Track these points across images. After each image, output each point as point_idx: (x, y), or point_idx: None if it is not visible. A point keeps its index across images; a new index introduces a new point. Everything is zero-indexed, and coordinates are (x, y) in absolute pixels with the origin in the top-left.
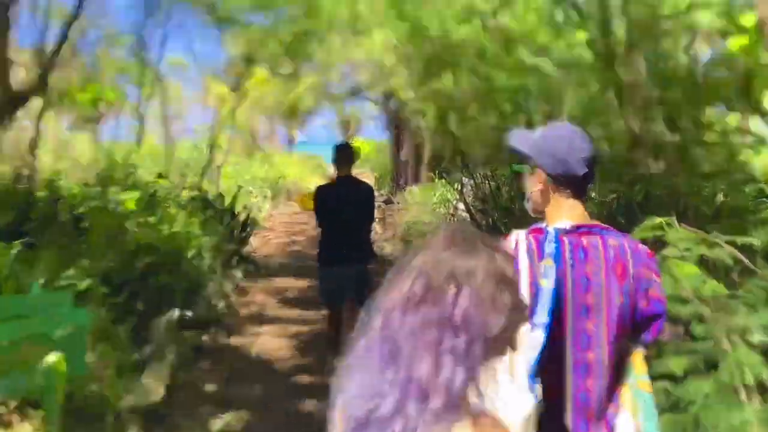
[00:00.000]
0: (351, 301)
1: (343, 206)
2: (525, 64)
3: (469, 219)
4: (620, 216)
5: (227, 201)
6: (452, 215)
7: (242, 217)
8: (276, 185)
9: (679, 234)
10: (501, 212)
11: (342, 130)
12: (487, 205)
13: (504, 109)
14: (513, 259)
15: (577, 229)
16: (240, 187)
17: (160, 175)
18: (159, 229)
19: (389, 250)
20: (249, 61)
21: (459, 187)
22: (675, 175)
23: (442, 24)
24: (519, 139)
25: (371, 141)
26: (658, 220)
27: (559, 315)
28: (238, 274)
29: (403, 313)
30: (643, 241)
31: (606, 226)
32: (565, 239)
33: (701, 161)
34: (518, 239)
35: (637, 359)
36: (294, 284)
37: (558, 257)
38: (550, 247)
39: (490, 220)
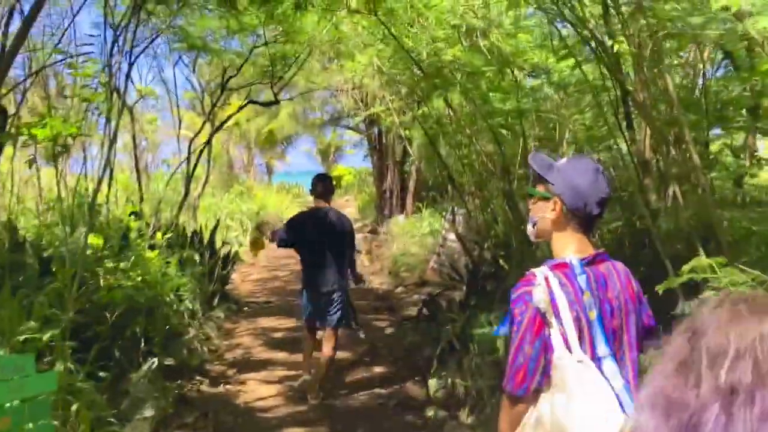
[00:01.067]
0: (329, 328)
1: (318, 234)
2: (520, 85)
3: (460, 251)
4: (626, 246)
5: (206, 236)
6: (441, 246)
7: (222, 253)
8: (256, 218)
9: (735, 276)
10: (497, 244)
11: (322, 158)
12: (481, 236)
13: (498, 133)
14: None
15: (593, 259)
16: (218, 221)
17: (133, 213)
18: (132, 273)
19: (377, 283)
20: (224, 88)
21: (450, 217)
22: (690, 203)
23: (431, 44)
24: (541, 163)
25: (353, 169)
26: (704, 260)
27: (611, 343)
28: (221, 314)
29: (726, 412)
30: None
31: (606, 252)
32: (588, 269)
33: (713, 187)
34: (546, 275)
35: None
36: (280, 324)
37: (589, 287)
38: (583, 280)
39: (485, 253)
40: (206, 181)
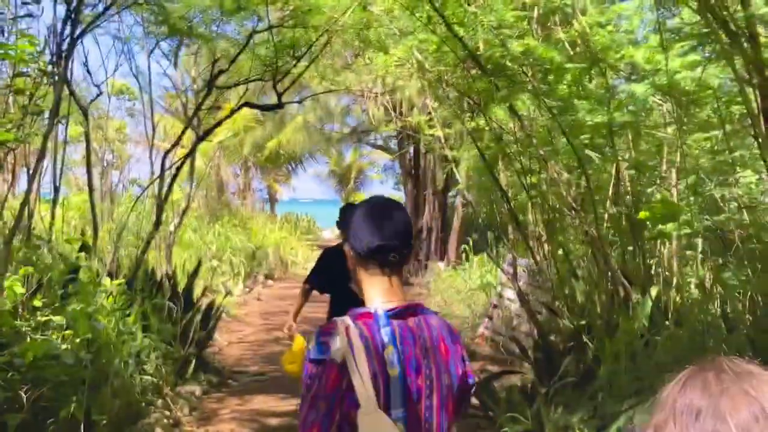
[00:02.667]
0: None
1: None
2: (612, 90)
3: (521, 314)
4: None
5: (182, 282)
6: (495, 307)
7: (203, 304)
8: (252, 258)
9: None
10: (576, 309)
11: (340, 183)
12: (554, 296)
13: (584, 156)
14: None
15: (401, 311)
16: (200, 262)
17: (83, 247)
18: (70, 333)
19: None
20: (212, 86)
21: (509, 268)
22: None
23: (493, 31)
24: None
25: None
26: None
27: (408, 404)
28: (197, 389)
29: None
30: None
31: (422, 304)
32: (395, 322)
33: None
34: (347, 325)
35: None
36: (278, 406)
37: (395, 342)
38: (386, 333)
39: (559, 320)
40: (187, 208)
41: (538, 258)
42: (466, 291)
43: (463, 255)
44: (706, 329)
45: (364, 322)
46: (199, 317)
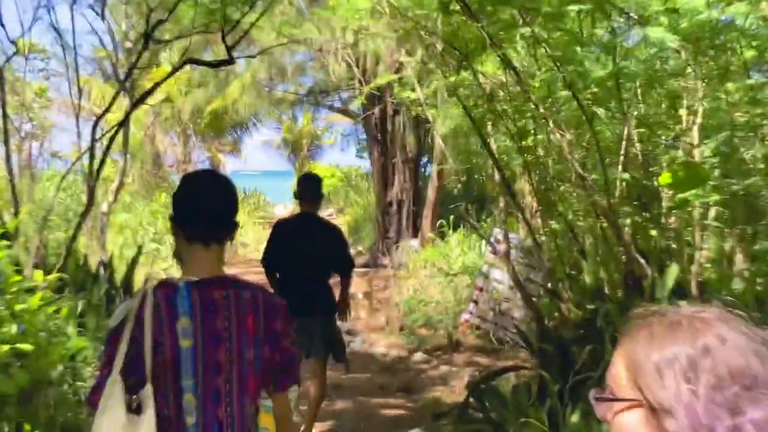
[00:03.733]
0: (315, 361)
1: (305, 245)
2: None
3: (513, 297)
4: None
5: (119, 272)
6: (480, 290)
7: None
8: None
9: None
10: (585, 292)
11: (293, 151)
12: (555, 278)
13: (591, 113)
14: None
15: (207, 283)
16: (140, 248)
17: (3, 235)
18: None
19: (382, 345)
20: (148, 41)
21: (496, 244)
22: None
23: None
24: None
25: (338, 169)
26: None
27: (200, 374)
28: None
29: None
30: None
31: (239, 278)
32: (196, 293)
33: None
34: (146, 294)
35: (264, 414)
36: None
37: (191, 314)
38: (183, 305)
39: (562, 304)
40: (121, 185)
41: (535, 234)
42: (446, 273)
43: (440, 232)
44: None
45: (163, 293)
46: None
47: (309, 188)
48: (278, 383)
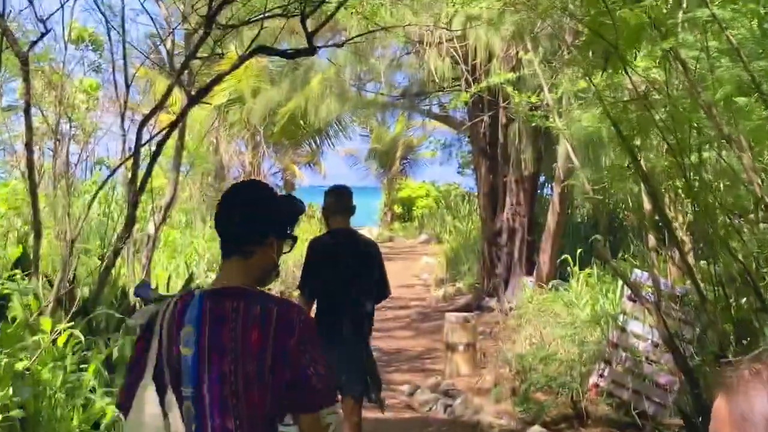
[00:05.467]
0: (351, 397)
1: (339, 266)
2: None
3: (657, 356)
4: None
5: None
6: (615, 346)
7: None
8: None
9: None
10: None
11: (381, 164)
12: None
13: None
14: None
15: (221, 293)
16: (190, 278)
17: (18, 262)
18: None
19: (490, 413)
20: (211, 24)
21: (646, 293)
22: None
23: None
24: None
25: (435, 187)
26: None
27: (199, 384)
28: None
29: None
30: None
31: (258, 291)
32: (208, 303)
33: None
34: (170, 302)
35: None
36: None
37: (198, 322)
38: (192, 313)
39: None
40: (173, 200)
41: (693, 277)
42: (570, 323)
43: (561, 270)
44: None
45: (182, 301)
46: None
47: (338, 201)
48: (297, 403)
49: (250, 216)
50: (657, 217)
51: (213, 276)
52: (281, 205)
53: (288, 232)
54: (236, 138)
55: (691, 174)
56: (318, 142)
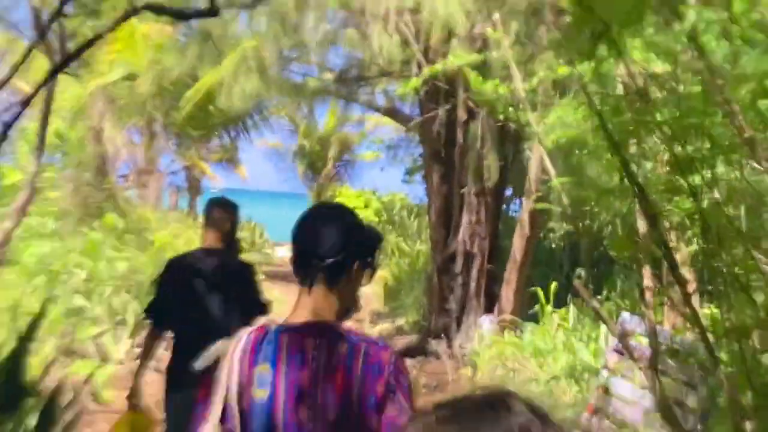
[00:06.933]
0: None
1: (203, 292)
2: None
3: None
4: None
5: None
6: (594, 413)
7: (48, 389)
8: (148, 290)
9: None
10: None
11: (310, 167)
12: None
13: None
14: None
15: (301, 328)
16: (44, 307)
17: None
18: None
19: None
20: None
21: (636, 344)
22: None
23: None
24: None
25: (377, 198)
26: None
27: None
28: None
29: None
30: None
31: (345, 328)
32: (285, 339)
33: None
34: (240, 337)
35: None
36: None
37: (274, 361)
38: (268, 350)
39: None
40: (28, 200)
41: (699, 326)
42: (546, 374)
43: (528, 307)
44: None
45: (255, 336)
46: (34, 419)
47: (217, 214)
48: None
49: (344, 242)
50: (654, 246)
51: (83, 303)
52: (369, 233)
53: (370, 261)
54: (127, 125)
55: (702, 192)
56: (233, 135)
